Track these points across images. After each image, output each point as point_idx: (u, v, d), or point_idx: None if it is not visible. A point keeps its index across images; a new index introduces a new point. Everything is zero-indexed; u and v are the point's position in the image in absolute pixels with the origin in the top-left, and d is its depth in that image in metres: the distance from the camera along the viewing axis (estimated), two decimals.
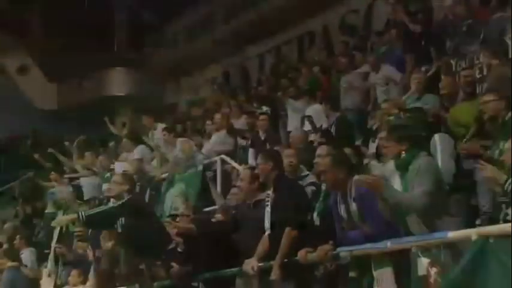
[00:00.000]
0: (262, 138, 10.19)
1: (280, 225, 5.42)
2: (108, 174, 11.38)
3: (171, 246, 7.15)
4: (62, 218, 7.34)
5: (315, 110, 10.38)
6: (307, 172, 6.48)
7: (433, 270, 4.11)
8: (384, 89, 9.85)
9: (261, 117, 10.51)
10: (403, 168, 4.59)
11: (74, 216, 6.90)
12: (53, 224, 7.66)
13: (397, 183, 4.60)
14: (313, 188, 6.01)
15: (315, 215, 5.33)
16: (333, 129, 9.25)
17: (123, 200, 6.88)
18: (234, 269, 5.97)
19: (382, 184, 4.36)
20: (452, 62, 8.58)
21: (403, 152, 4.62)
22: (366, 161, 7.25)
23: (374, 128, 8.45)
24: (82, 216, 6.67)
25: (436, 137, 5.76)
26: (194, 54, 19.87)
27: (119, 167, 11.08)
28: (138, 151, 11.37)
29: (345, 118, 9.67)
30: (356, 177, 4.55)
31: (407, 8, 11.06)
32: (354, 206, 4.75)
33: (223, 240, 6.31)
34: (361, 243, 4.65)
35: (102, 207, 6.90)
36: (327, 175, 4.99)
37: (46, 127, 21.12)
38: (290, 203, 5.44)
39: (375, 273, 4.53)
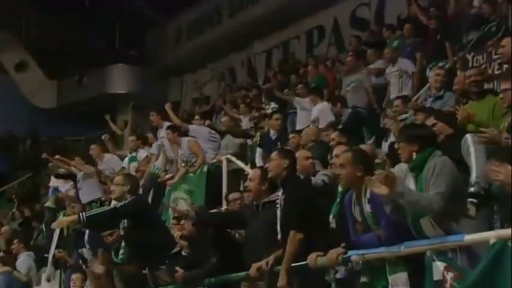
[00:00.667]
0: (274, 137, 10.19)
1: (290, 229, 5.39)
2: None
3: (176, 249, 7.13)
4: (62, 220, 7.30)
5: (321, 108, 10.36)
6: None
7: (449, 275, 4.08)
8: (397, 83, 9.81)
9: (275, 116, 10.52)
10: (417, 169, 4.54)
11: (74, 217, 6.89)
12: (53, 226, 7.64)
13: (411, 187, 4.54)
14: (325, 178, 6.05)
15: (330, 217, 5.30)
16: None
17: (125, 201, 6.88)
18: (241, 273, 5.96)
19: (394, 180, 4.28)
20: (469, 57, 8.54)
21: (414, 153, 4.57)
22: (377, 161, 7.23)
23: (386, 127, 8.44)
24: (83, 217, 6.67)
25: (468, 137, 5.45)
26: (198, 50, 19.87)
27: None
28: (153, 149, 11.44)
29: (358, 114, 9.65)
30: (368, 177, 4.50)
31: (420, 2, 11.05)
32: (368, 208, 4.72)
33: (228, 243, 6.30)
34: (375, 246, 4.63)
35: (104, 208, 6.89)
36: (345, 170, 4.90)
37: (45, 126, 21.17)
38: (299, 205, 5.41)
39: (389, 278, 4.51)
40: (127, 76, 21.43)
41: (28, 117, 21.40)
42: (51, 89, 22.26)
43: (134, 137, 12.56)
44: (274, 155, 5.82)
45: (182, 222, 7.08)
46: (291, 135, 9.02)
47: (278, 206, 5.61)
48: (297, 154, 6.36)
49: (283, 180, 5.66)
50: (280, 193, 5.67)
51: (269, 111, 11.84)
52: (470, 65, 8.30)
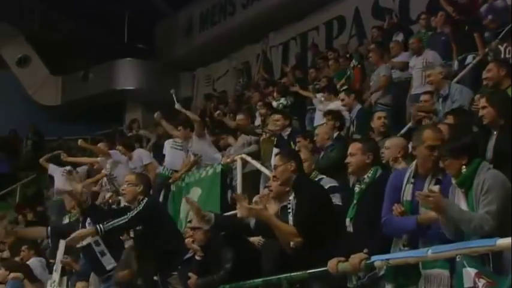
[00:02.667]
0: (286, 137, 10.19)
1: (303, 235, 5.41)
2: None
3: (189, 254, 7.16)
4: (79, 233, 7.22)
5: (335, 107, 10.35)
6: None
7: (481, 283, 4.07)
8: (421, 76, 9.81)
9: (275, 116, 10.53)
10: (466, 184, 4.50)
11: (91, 230, 6.96)
12: (68, 242, 7.65)
13: (462, 203, 4.51)
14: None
15: (347, 220, 5.30)
16: (354, 123, 9.18)
17: (140, 208, 6.89)
18: (257, 280, 5.97)
19: (441, 202, 4.32)
20: (501, 47, 8.51)
21: (464, 167, 4.53)
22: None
23: (412, 126, 8.43)
24: (101, 229, 6.76)
25: None
26: (210, 43, 19.90)
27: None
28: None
29: (368, 111, 9.60)
30: (416, 193, 4.54)
31: None
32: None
33: (244, 248, 6.31)
34: (409, 231, 4.67)
35: (122, 220, 6.89)
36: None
37: (49, 125, 21.28)
38: (312, 208, 5.42)
39: (423, 272, 4.50)
40: (135, 71, 21.51)
41: (30, 116, 21.52)
42: (55, 85, 22.37)
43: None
44: (277, 160, 5.78)
45: (194, 225, 7.06)
46: (297, 139, 8.86)
47: (290, 211, 5.62)
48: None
49: (294, 184, 5.66)
50: (291, 197, 5.67)
51: (279, 106, 11.84)
52: (502, 55, 8.27)
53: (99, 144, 12.51)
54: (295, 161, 5.71)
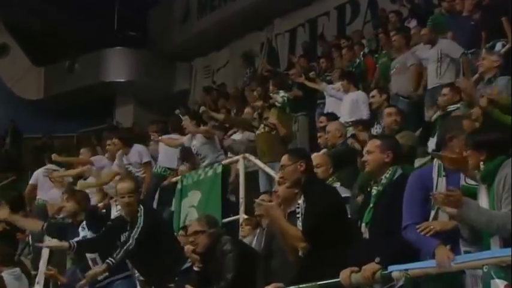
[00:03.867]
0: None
1: (313, 243, 5.41)
2: None
3: (187, 265, 7.18)
4: (90, 277, 7.31)
5: (355, 97, 10.35)
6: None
7: None
8: (436, 67, 9.83)
9: (271, 111, 10.56)
10: (488, 179, 4.53)
11: (104, 268, 6.98)
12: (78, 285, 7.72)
13: (483, 199, 4.52)
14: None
15: (363, 225, 5.29)
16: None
17: (141, 225, 6.89)
18: None
19: (461, 200, 4.33)
20: None
21: (482, 162, 4.56)
22: (423, 160, 7.19)
23: (433, 120, 8.40)
24: (112, 263, 6.86)
25: None
26: (209, 30, 19.92)
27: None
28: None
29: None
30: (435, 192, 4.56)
31: None
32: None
33: (246, 257, 6.32)
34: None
35: (129, 246, 6.92)
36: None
37: (30, 121, 21.30)
38: (323, 213, 5.42)
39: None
40: (126, 61, 21.57)
41: (10, 110, 21.55)
42: (37, 76, 22.44)
43: None
44: (285, 159, 5.73)
45: (196, 229, 7.05)
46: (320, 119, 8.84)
47: (299, 216, 5.62)
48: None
49: (303, 186, 5.66)
50: (301, 201, 5.66)
51: (279, 100, 11.85)
52: None
53: (81, 151, 12.50)
54: (305, 161, 5.70)
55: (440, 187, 4.77)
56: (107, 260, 6.91)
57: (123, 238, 7.07)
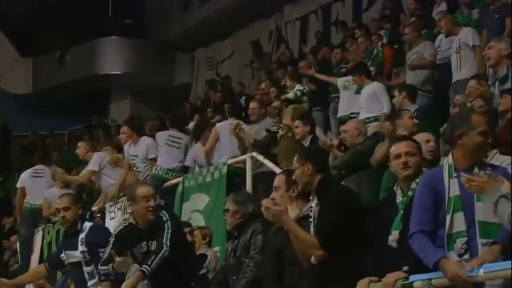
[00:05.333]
0: None
1: (327, 250, 5.45)
2: None
3: (203, 271, 7.25)
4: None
5: (371, 90, 10.40)
6: None
7: None
8: (456, 59, 9.87)
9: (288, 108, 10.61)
10: None
11: (139, 276, 6.96)
12: None
13: None
14: None
15: (395, 233, 5.30)
16: None
17: (169, 227, 6.89)
18: None
19: (486, 186, 4.38)
20: None
21: None
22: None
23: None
24: (148, 271, 6.74)
25: None
26: (212, 18, 19.94)
27: None
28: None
29: (428, 110, 9.57)
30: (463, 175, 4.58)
31: None
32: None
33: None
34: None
35: (163, 252, 6.94)
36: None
37: (17, 117, 21.31)
38: (337, 215, 5.45)
39: None
40: (122, 52, 21.57)
41: None
42: (25, 69, 22.47)
43: None
44: (294, 161, 5.82)
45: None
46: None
47: (312, 220, 5.65)
48: None
49: (316, 188, 5.70)
50: (314, 204, 5.70)
51: (290, 95, 11.87)
52: None
53: (78, 145, 12.52)
54: (313, 163, 5.72)
55: (452, 189, 4.79)
56: (141, 268, 6.83)
57: (142, 248, 7.08)
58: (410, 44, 11.16)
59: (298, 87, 12.20)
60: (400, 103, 9.25)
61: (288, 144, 9.95)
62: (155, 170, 11.14)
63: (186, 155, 11.41)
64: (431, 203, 4.80)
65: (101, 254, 7.35)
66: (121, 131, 11.61)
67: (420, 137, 6.32)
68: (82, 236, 7.71)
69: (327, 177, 5.81)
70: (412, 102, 9.18)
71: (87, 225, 7.76)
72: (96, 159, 11.60)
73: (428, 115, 8.82)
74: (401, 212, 5.25)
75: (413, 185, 5.21)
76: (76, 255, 7.87)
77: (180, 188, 10.61)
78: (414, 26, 11.09)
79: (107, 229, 8.33)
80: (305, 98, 11.93)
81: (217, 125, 11.09)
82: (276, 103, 11.83)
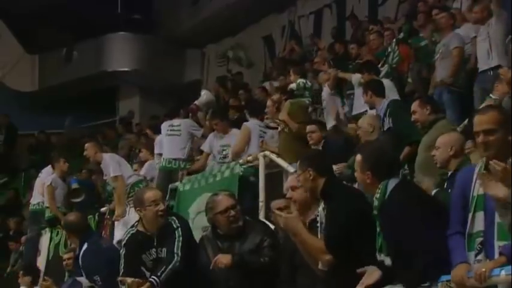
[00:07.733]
0: None
1: (335, 255, 5.45)
2: None
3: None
4: None
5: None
6: None
7: None
8: (487, 47, 9.81)
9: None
10: None
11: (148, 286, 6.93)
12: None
13: None
14: None
15: None
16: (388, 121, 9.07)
17: (180, 236, 6.84)
18: None
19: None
20: None
21: None
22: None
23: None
24: (157, 282, 6.66)
25: None
26: (223, 12, 19.93)
27: None
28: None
29: (399, 103, 9.45)
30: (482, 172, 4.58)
31: None
32: None
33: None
34: None
35: (175, 262, 6.87)
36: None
37: (23, 116, 21.37)
38: (345, 219, 5.43)
39: None
40: (131, 48, 21.59)
41: (1, 104, 21.61)
42: (31, 66, 22.53)
43: None
44: (298, 167, 5.89)
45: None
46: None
47: (319, 225, 5.65)
48: None
49: (323, 192, 5.68)
50: (321, 208, 5.69)
51: (293, 86, 11.87)
52: None
53: (85, 146, 12.46)
54: (313, 168, 5.70)
55: (477, 188, 4.74)
56: (151, 279, 6.74)
57: (151, 255, 7.03)
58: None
59: (302, 81, 12.21)
60: (371, 103, 9.24)
61: (285, 141, 10.00)
62: (163, 163, 11.42)
63: (191, 138, 11.77)
64: (461, 201, 4.81)
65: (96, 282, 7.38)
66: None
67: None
68: (79, 260, 7.74)
69: (331, 180, 5.80)
70: (382, 97, 9.18)
71: (83, 247, 7.73)
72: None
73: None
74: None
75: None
76: (84, 280, 7.93)
77: (180, 188, 10.82)
78: (445, 16, 11.01)
79: (102, 251, 7.94)
80: (307, 92, 11.89)
81: (248, 124, 11.03)
82: (275, 96, 11.80)
